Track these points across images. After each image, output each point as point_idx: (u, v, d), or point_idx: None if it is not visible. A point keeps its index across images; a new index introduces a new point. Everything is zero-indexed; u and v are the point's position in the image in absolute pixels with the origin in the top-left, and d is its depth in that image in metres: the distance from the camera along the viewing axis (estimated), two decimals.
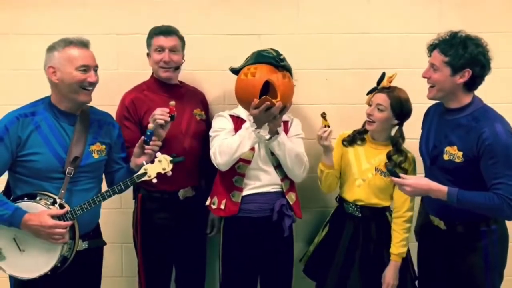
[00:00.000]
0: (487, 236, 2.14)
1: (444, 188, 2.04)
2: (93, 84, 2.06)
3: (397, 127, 2.38)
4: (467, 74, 2.05)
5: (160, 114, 2.17)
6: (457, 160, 2.08)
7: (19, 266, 2.02)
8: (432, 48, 2.14)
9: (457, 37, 2.07)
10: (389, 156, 2.34)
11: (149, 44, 2.44)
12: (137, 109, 2.41)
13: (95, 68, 2.07)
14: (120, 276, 2.93)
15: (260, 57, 2.29)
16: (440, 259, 2.25)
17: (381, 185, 2.36)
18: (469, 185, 2.04)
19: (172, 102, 2.20)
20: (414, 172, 2.37)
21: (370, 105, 2.37)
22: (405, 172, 2.30)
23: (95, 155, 2.12)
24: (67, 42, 2.02)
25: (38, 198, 2.00)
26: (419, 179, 2.11)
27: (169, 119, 2.18)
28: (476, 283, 2.16)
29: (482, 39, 2.09)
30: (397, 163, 2.31)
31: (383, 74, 2.35)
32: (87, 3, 2.75)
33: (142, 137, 2.13)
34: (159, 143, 2.15)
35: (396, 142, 2.35)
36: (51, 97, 2.09)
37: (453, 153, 2.09)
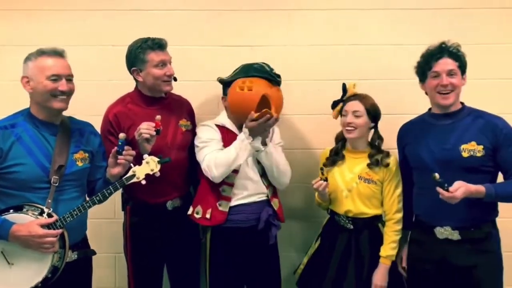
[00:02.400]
0: (497, 236, 2.20)
1: (482, 187, 2.06)
2: (65, 93, 2.04)
3: (372, 130, 2.43)
4: (465, 77, 2.21)
5: (146, 128, 2.17)
6: (478, 155, 2.12)
7: (9, 280, 1.98)
8: (437, 57, 2.19)
9: (453, 46, 2.21)
10: (370, 156, 2.37)
11: (142, 60, 2.33)
12: (120, 124, 2.37)
13: (68, 77, 2.05)
14: (113, 287, 2.91)
15: (253, 71, 2.34)
16: (452, 272, 2.19)
17: (366, 193, 2.37)
18: (487, 181, 2.12)
19: (158, 117, 2.19)
20: (398, 173, 2.38)
21: (342, 116, 2.40)
22: (387, 166, 2.34)
23: (79, 163, 2.12)
24: (40, 52, 2.03)
25: (25, 209, 1.98)
26: (465, 189, 2.02)
27: (154, 133, 2.18)
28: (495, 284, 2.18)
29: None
30: (378, 162, 2.35)
31: (344, 85, 2.43)
32: (83, 16, 2.79)
33: (115, 148, 2.11)
34: (133, 152, 2.13)
35: (375, 142, 2.40)
36: (30, 108, 2.09)
37: (472, 148, 2.13)
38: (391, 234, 2.35)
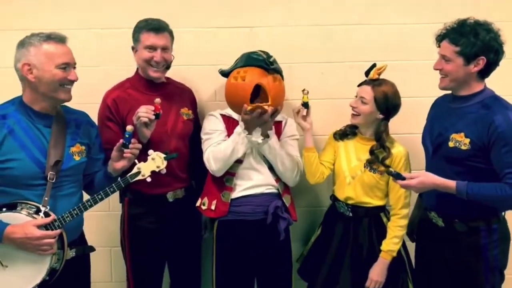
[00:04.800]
0: (487, 235, 2.09)
1: (452, 183, 1.98)
2: (73, 82, 1.95)
3: (383, 122, 2.30)
4: (481, 62, 2.00)
5: (145, 112, 2.09)
6: (463, 148, 2.01)
7: (3, 284, 1.88)
8: (440, 38, 2.08)
9: (466, 25, 2.01)
10: (371, 151, 2.28)
11: (136, 39, 2.30)
12: (119, 109, 2.29)
13: (74, 66, 1.96)
14: (109, 281, 2.85)
15: (250, 60, 2.25)
16: (438, 259, 2.20)
17: (370, 182, 2.29)
18: (473, 175, 2.00)
19: (157, 100, 2.11)
20: (407, 167, 2.29)
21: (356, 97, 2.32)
22: (388, 167, 2.23)
23: (76, 157, 2.01)
24: (45, 37, 1.88)
25: (19, 208, 1.87)
26: (423, 178, 2.03)
27: (153, 117, 2.10)
28: (475, 284, 2.12)
29: (492, 23, 2.02)
30: (379, 159, 2.25)
31: (373, 65, 2.29)
32: None
33: (121, 140, 2.02)
34: (139, 145, 2.05)
35: (380, 138, 2.27)
36: (23, 97, 1.95)
37: (459, 140, 2.03)
38: (395, 229, 2.28)
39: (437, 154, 2.13)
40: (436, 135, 2.15)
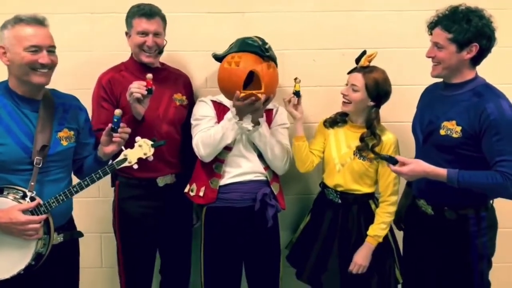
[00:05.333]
0: (476, 223, 2.09)
1: (443, 171, 1.97)
2: (46, 66, 1.88)
3: (374, 109, 2.29)
4: (474, 48, 1.98)
5: (137, 87, 2.08)
6: (454, 136, 2.00)
7: None
8: (433, 25, 2.07)
9: (459, 12, 2.00)
10: (362, 138, 2.27)
11: (129, 24, 2.30)
12: (114, 90, 2.30)
13: (50, 49, 1.89)
14: (100, 267, 2.85)
15: (245, 45, 2.22)
16: (426, 247, 2.21)
17: (360, 170, 2.29)
18: (464, 163, 1.99)
19: (149, 75, 2.10)
20: (396, 155, 2.26)
21: (347, 85, 2.30)
22: (379, 154, 2.23)
23: (64, 142, 1.98)
24: (17, 20, 1.84)
25: (5, 192, 1.85)
26: (414, 165, 2.01)
27: (146, 92, 2.09)
28: (464, 271, 2.12)
29: (483, 9, 2.00)
30: (369, 146, 2.25)
31: (363, 53, 2.27)
32: None
33: (109, 125, 1.99)
34: (128, 130, 2.03)
35: (371, 125, 2.26)
36: (8, 82, 1.92)
37: (450, 127, 2.02)
38: (383, 215, 2.28)
39: (428, 142, 2.12)
40: (426, 123, 2.14)
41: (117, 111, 1.99)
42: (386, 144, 2.26)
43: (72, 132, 2.02)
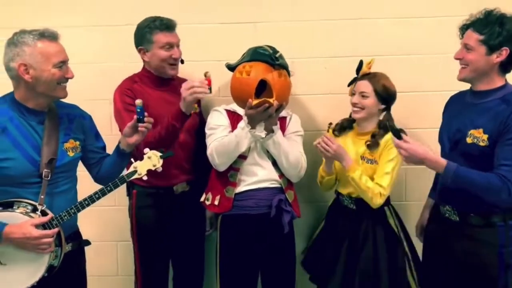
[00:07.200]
0: (503, 231, 2.02)
1: (443, 161, 1.94)
2: (69, 79, 1.93)
3: (384, 112, 2.33)
4: (504, 52, 1.95)
5: (201, 87, 2.08)
6: (481, 144, 1.96)
7: (2, 282, 1.86)
8: (464, 28, 2.04)
9: (492, 15, 1.97)
10: (373, 135, 2.29)
11: (147, 40, 2.30)
12: (136, 97, 2.25)
13: (68, 62, 1.93)
14: (115, 275, 2.86)
15: (256, 55, 2.24)
16: (449, 254, 2.14)
17: (368, 174, 2.28)
18: (489, 170, 1.93)
19: (209, 73, 2.11)
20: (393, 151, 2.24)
21: (353, 95, 2.33)
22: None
23: (70, 153, 1.99)
24: (38, 35, 1.84)
25: (15, 206, 1.85)
26: (417, 145, 1.97)
27: (208, 91, 2.10)
28: (488, 280, 2.06)
29: None
30: (379, 143, 2.25)
31: (361, 62, 2.32)
32: None
33: (135, 117, 1.99)
34: (152, 119, 2.03)
35: (384, 126, 2.29)
36: (15, 95, 1.91)
37: (477, 136, 1.98)
38: (371, 183, 2.23)
39: (455, 150, 2.07)
40: (454, 131, 2.09)
41: (138, 101, 1.98)
42: (388, 143, 2.25)
43: (78, 142, 2.03)
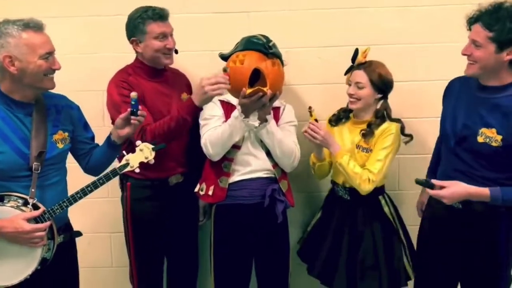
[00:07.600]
0: (507, 218, 2.01)
1: (486, 191, 1.89)
2: (56, 70, 1.89)
3: (381, 101, 2.32)
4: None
5: (225, 82, 2.06)
6: (494, 144, 1.92)
7: None
8: (472, 21, 1.93)
9: (503, 9, 1.86)
10: (369, 124, 2.29)
11: (140, 31, 2.26)
12: (132, 88, 2.25)
13: (54, 53, 1.88)
14: (109, 266, 2.86)
15: (249, 44, 2.23)
16: (449, 240, 2.14)
17: (363, 163, 2.28)
18: (499, 167, 1.94)
19: (228, 69, 2.11)
20: (388, 140, 2.25)
21: (349, 85, 2.32)
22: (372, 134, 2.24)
23: (60, 145, 1.97)
24: (22, 26, 1.78)
25: (5, 200, 1.83)
26: (455, 188, 1.93)
27: (229, 86, 2.09)
28: (489, 267, 2.06)
29: None
30: (373, 132, 2.24)
31: (356, 50, 2.30)
32: None
33: (128, 109, 1.97)
34: (145, 113, 2.01)
35: (382, 115, 2.29)
36: (0, 87, 1.87)
37: (490, 136, 1.93)
38: (359, 169, 2.23)
39: (462, 146, 2.03)
40: (461, 126, 2.03)
41: (133, 94, 1.96)
42: (383, 131, 2.25)
43: (66, 134, 2.01)
